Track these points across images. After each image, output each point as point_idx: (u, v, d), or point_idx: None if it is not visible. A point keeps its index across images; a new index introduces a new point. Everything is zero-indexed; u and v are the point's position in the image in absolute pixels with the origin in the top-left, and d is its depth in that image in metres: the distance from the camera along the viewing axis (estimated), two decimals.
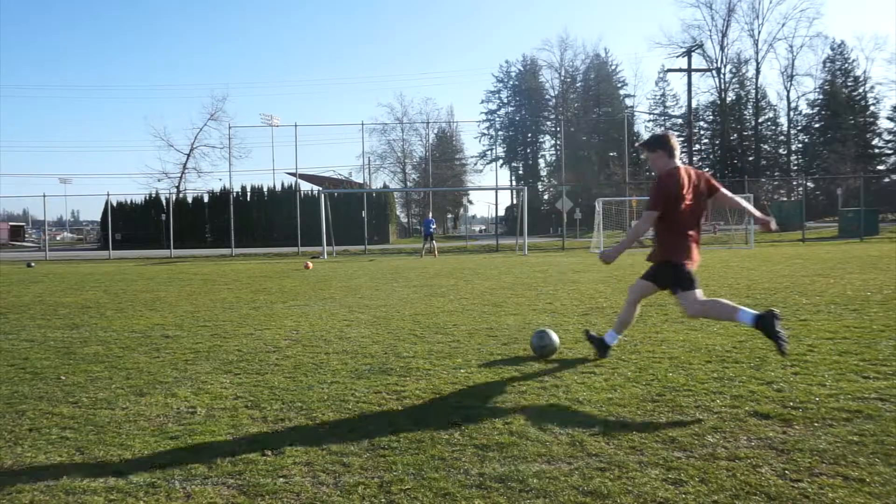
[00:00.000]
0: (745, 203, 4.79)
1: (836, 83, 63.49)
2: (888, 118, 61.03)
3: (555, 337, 5.14)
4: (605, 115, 53.41)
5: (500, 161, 67.66)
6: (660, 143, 4.56)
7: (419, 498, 2.62)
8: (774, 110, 66.60)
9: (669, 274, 4.47)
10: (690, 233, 4.44)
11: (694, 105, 40.52)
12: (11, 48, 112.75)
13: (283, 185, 44.16)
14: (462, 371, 4.74)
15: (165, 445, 3.29)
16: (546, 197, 67.18)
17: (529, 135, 72.35)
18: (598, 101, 61.96)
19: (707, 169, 64.39)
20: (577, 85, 69.49)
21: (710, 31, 58.88)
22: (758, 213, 4.63)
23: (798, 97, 65.22)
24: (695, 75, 35.58)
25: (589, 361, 4.91)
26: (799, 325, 6.23)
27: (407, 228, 60.29)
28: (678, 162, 4.51)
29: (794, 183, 60.62)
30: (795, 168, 64.31)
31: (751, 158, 63.97)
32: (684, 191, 4.35)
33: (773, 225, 4.52)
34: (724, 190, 4.67)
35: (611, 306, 7.82)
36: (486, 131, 70.12)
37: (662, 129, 65.87)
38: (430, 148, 53.86)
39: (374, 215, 41.66)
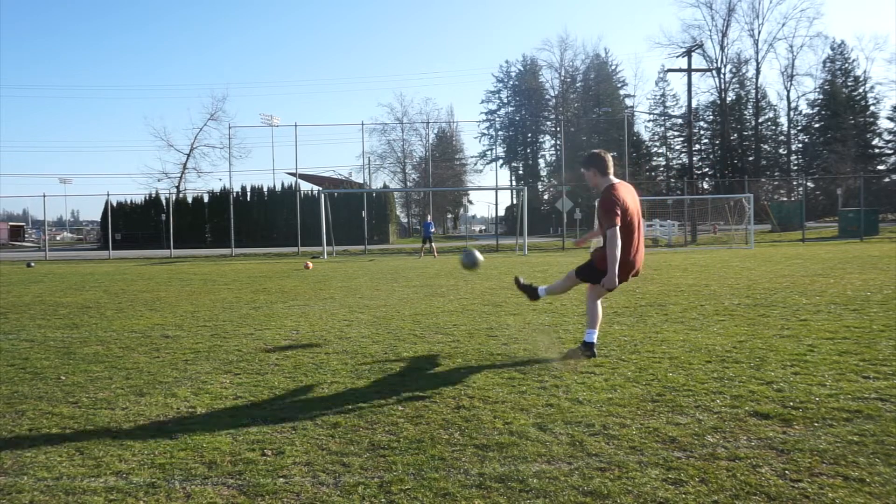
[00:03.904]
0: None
1: (836, 83, 63.45)
2: (888, 118, 61.03)
3: (478, 255, 6.12)
4: (605, 115, 53.55)
5: (500, 161, 67.67)
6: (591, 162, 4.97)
7: (419, 498, 2.62)
8: (774, 110, 66.59)
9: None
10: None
11: (694, 105, 40.50)
12: (11, 48, 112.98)
13: (283, 185, 44.23)
14: (462, 371, 4.74)
15: (165, 445, 3.29)
16: (546, 197, 67.15)
17: (529, 135, 72.27)
18: (598, 101, 61.98)
19: (707, 169, 64.42)
20: (577, 85, 69.41)
21: (710, 31, 58.74)
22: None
23: (798, 97, 65.28)
24: (695, 75, 35.57)
25: (589, 362, 4.91)
26: (799, 325, 6.23)
27: (407, 228, 60.31)
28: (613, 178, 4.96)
29: (794, 183, 60.60)
30: (795, 168, 64.27)
31: (751, 158, 63.93)
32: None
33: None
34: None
35: (610, 306, 7.81)
36: (486, 131, 70.15)
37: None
38: (430, 148, 53.86)
39: (374, 215, 41.69)
